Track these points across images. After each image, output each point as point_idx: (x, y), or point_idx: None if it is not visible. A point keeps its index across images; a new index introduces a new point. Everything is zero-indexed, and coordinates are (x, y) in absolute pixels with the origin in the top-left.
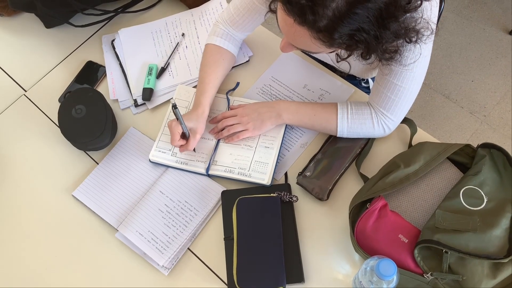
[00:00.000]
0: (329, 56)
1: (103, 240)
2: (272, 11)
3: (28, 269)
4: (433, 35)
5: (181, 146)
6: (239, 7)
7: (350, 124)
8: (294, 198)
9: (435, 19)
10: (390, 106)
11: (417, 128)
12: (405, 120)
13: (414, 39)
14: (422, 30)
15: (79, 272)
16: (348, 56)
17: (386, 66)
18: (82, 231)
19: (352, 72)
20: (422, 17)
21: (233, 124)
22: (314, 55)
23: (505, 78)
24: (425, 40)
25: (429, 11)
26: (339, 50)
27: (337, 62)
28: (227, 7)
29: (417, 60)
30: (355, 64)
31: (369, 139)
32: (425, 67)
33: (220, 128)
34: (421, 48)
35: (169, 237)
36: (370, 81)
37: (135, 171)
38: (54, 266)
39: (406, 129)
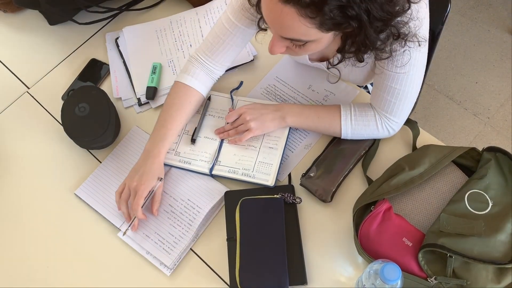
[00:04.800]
0: (323, 65)
1: (105, 239)
2: (259, 12)
3: (30, 268)
4: (423, 41)
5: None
6: (218, 33)
7: (354, 126)
8: (298, 200)
9: (426, 31)
10: (392, 109)
11: (420, 129)
12: (408, 122)
13: (404, 32)
14: (412, 26)
15: (80, 271)
16: (340, 61)
17: (380, 68)
18: (83, 230)
19: (347, 80)
20: (410, 19)
21: (238, 125)
22: (313, 58)
23: (509, 80)
24: (414, 43)
25: (416, 12)
26: (332, 59)
27: (328, 69)
28: (204, 39)
29: (409, 62)
30: (346, 72)
31: (374, 141)
32: (422, 67)
33: (227, 129)
34: (411, 52)
35: (175, 237)
36: (369, 85)
37: None
38: (56, 265)
39: (410, 131)
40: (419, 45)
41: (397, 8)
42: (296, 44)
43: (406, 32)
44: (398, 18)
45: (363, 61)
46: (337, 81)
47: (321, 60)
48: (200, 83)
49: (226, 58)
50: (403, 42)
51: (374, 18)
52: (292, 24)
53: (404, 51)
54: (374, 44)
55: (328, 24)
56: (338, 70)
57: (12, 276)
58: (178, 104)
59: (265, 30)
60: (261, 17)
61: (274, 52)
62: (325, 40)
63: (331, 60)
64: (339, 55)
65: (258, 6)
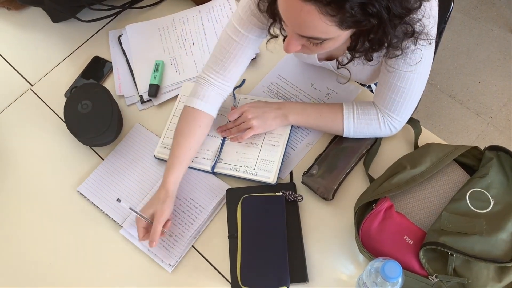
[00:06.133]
0: (330, 64)
1: (107, 236)
2: (273, 15)
3: (32, 264)
4: (433, 40)
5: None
6: (226, 47)
7: (356, 125)
8: (299, 197)
9: (434, 31)
10: (396, 107)
11: (422, 128)
12: (410, 121)
13: (416, 29)
14: (424, 25)
15: (82, 268)
16: (350, 60)
17: (389, 66)
18: (86, 227)
19: (354, 79)
20: (424, 16)
21: (240, 123)
22: (321, 57)
23: None
24: (423, 42)
25: (429, 10)
26: (341, 57)
27: (338, 68)
28: (210, 57)
29: (419, 61)
30: (356, 71)
31: (376, 139)
32: (429, 66)
33: (229, 127)
34: (422, 50)
35: (176, 235)
36: (373, 85)
37: (140, 168)
38: (58, 261)
39: (412, 129)
40: (430, 44)
41: (412, 4)
42: (313, 42)
43: (419, 30)
44: (413, 15)
45: (372, 60)
46: (347, 82)
47: (329, 59)
48: (210, 104)
49: (237, 72)
50: (415, 40)
51: (394, 15)
52: (312, 22)
53: (415, 49)
54: (391, 42)
55: (348, 21)
56: (348, 70)
57: (14, 272)
58: (186, 131)
59: (276, 37)
60: (272, 23)
61: (289, 50)
62: (342, 38)
63: (340, 59)
64: (348, 54)
65: (270, 9)
